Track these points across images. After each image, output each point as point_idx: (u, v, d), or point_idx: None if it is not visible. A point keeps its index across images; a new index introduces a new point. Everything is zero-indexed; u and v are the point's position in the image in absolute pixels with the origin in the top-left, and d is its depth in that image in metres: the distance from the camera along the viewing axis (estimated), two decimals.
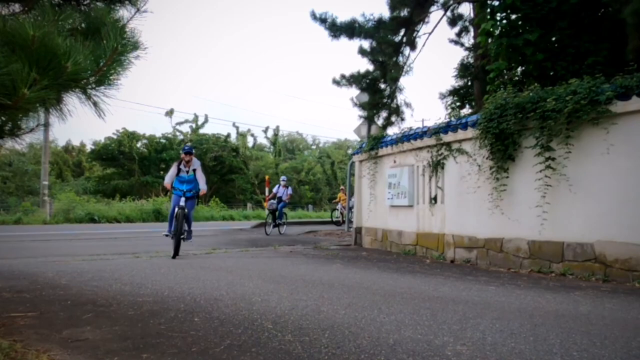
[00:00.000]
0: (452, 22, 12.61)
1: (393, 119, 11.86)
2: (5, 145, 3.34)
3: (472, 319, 3.46)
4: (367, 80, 11.61)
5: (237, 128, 41.01)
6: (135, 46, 2.61)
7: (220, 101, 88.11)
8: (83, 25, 2.74)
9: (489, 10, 9.93)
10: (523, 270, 6.17)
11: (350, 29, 11.41)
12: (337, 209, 19.44)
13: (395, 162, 9.01)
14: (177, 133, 38.43)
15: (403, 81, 14.43)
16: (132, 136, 35.56)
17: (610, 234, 5.34)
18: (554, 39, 8.84)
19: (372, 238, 9.86)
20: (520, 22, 9.14)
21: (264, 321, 3.33)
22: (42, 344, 2.77)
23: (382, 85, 11.79)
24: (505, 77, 9.69)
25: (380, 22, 11.32)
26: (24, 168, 31.18)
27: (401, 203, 8.68)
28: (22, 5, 2.76)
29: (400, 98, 11.96)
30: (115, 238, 11.80)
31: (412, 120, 26.72)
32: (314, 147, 53.70)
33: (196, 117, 38.69)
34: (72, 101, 2.78)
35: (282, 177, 15.06)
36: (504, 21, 9.45)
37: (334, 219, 19.35)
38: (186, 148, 7.96)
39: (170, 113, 37.37)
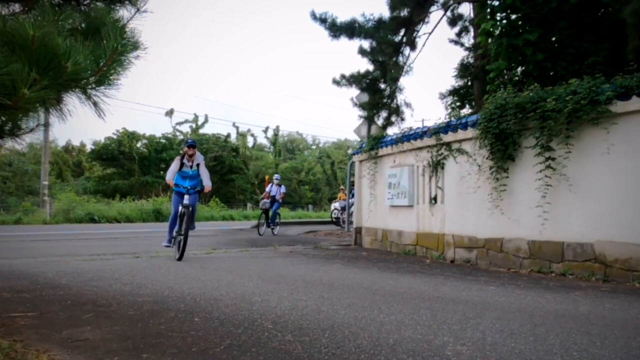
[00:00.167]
0: (452, 22, 12.61)
1: (393, 119, 11.87)
2: (5, 145, 3.34)
3: (472, 319, 3.46)
4: (367, 80, 11.62)
5: (237, 128, 41.09)
6: (135, 46, 2.61)
7: (220, 101, 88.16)
8: (83, 25, 2.74)
9: (489, 10, 9.93)
10: (523, 270, 6.17)
11: (350, 29, 11.42)
12: (337, 209, 19.45)
13: (395, 162, 9.01)
14: (177, 133, 38.48)
15: (403, 81, 14.45)
16: (132, 136, 35.60)
17: (610, 234, 5.34)
18: (554, 39, 8.84)
19: (372, 238, 9.86)
20: (520, 22, 9.14)
21: (264, 321, 3.33)
22: (42, 344, 2.77)
23: (382, 85, 11.79)
24: (505, 77, 9.69)
25: (380, 22, 11.33)
26: (24, 168, 31.19)
27: (401, 203, 8.68)
28: (22, 5, 2.76)
29: (400, 98, 11.98)
30: (115, 238, 11.80)
31: (412, 120, 26.78)
32: (314, 147, 53.73)
33: (196, 117, 38.76)
34: (72, 101, 2.78)
35: (275, 176, 14.74)
36: (504, 21, 9.45)
37: (334, 218, 19.36)
38: (190, 141, 7.51)
39: (170, 113, 37.42)
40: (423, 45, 12.85)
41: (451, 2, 11.69)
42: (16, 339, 2.82)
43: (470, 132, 7.03)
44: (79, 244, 10.19)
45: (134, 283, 4.83)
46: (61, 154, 39.75)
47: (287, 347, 2.74)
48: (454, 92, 13.89)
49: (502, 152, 6.44)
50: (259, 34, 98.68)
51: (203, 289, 4.52)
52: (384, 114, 11.87)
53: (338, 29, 11.50)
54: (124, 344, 2.78)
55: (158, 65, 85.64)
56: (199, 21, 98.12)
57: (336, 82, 11.88)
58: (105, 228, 16.40)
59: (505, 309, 3.84)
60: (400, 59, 11.69)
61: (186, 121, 38.67)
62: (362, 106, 11.78)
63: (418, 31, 11.66)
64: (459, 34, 13.09)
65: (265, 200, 13.48)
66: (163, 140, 37.30)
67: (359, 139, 12.80)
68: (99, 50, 2.48)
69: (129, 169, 35.73)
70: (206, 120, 38.85)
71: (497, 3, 9.81)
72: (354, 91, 11.89)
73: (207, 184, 7.26)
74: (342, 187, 19.18)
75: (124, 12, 2.84)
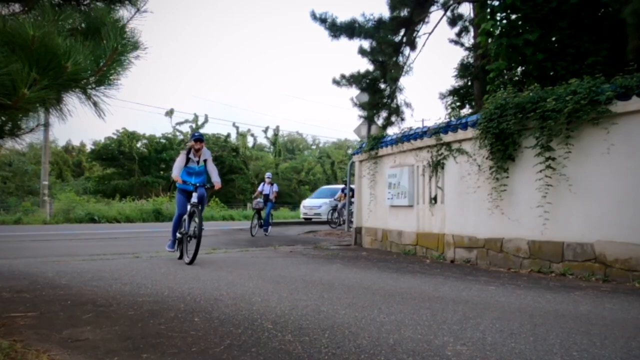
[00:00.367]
0: (452, 22, 12.62)
1: (393, 119, 11.87)
2: (5, 145, 3.34)
3: (472, 319, 3.46)
4: (367, 80, 11.62)
5: (237, 128, 41.09)
6: (135, 46, 2.61)
7: (220, 101, 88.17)
8: (83, 25, 2.74)
9: (489, 10, 9.94)
10: (523, 270, 6.17)
11: (350, 29, 11.42)
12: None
13: (395, 162, 9.01)
14: (177, 133, 38.46)
15: (403, 81, 14.44)
16: (132, 136, 35.60)
17: (610, 234, 5.34)
18: (554, 39, 8.84)
19: (372, 238, 9.86)
20: (520, 22, 9.15)
21: (264, 321, 3.33)
22: (42, 344, 2.77)
23: (382, 85, 11.80)
24: (505, 77, 9.69)
25: (380, 22, 11.33)
26: (24, 168, 31.19)
27: (401, 203, 8.68)
28: (22, 5, 2.76)
29: (400, 98, 11.98)
30: (115, 238, 11.80)
31: (412, 120, 26.76)
32: (314, 147, 53.72)
33: (196, 117, 38.74)
34: (72, 101, 2.78)
35: (267, 174, 14.25)
36: (504, 21, 9.46)
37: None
38: (196, 134, 7.00)
39: (170, 113, 37.42)
40: (423, 45, 12.86)
41: (451, 2, 11.70)
42: (16, 339, 2.82)
43: (470, 132, 7.03)
44: (79, 244, 10.19)
45: (134, 283, 4.83)
46: (61, 154, 39.74)
47: (287, 347, 2.74)
48: (454, 92, 13.90)
49: (502, 152, 6.44)
50: (259, 34, 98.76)
51: (203, 289, 4.52)
52: (384, 114, 11.88)
53: (338, 29, 11.50)
54: (124, 344, 2.78)
55: (158, 65, 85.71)
56: (199, 21, 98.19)
57: (336, 82, 11.89)
58: (105, 228, 16.39)
59: (505, 309, 3.84)
60: (400, 59, 11.70)
61: (186, 121, 38.68)
62: (362, 106, 11.78)
63: (418, 31, 11.67)
64: (459, 34, 13.10)
65: (259, 200, 13.07)
66: (163, 140, 37.30)
67: (359, 139, 12.79)
68: (99, 50, 2.48)
69: (129, 169, 35.73)
70: (206, 120, 38.86)
71: (497, 3, 9.81)
72: (354, 91, 11.90)
73: (217, 180, 6.74)
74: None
75: (124, 12, 2.84)
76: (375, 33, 11.29)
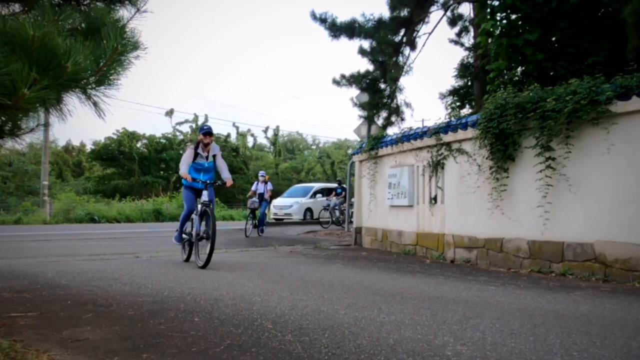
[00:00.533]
0: (452, 22, 12.62)
1: (393, 119, 11.88)
2: (5, 145, 3.34)
3: (472, 319, 3.46)
4: (367, 80, 11.62)
5: (237, 128, 41.08)
6: (135, 46, 2.62)
7: (220, 101, 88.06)
8: (83, 25, 2.74)
9: (489, 10, 9.94)
10: (523, 270, 6.17)
11: (350, 29, 11.42)
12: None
13: (395, 162, 9.02)
14: (177, 133, 38.47)
15: (403, 81, 14.43)
16: (132, 136, 35.59)
17: (610, 234, 5.34)
18: (554, 39, 8.84)
19: (372, 238, 9.86)
20: (520, 22, 9.15)
21: (264, 321, 3.33)
22: (42, 344, 2.77)
23: (382, 85, 11.80)
24: (505, 77, 9.69)
25: (380, 22, 11.33)
26: (24, 168, 31.18)
27: (401, 203, 8.68)
28: (22, 5, 2.76)
29: (400, 98, 11.99)
30: (115, 238, 11.80)
31: (412, 120, 26.79)
32: (314, 147, 53.68)
33: (196, 117, 38.72)
34: (72, 101, 2.78)
35: (261, 172, 13.73)
36: (504, 21, 9.46)
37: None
38: (206, 127, 6.45)
39: (170, 113, 37.41)
40: (423, 45, 12.86)
41: (451, 2, 11.70)
42: (16, 339, 2.82)
43: (470, 132, 7.03)
44: (79, 244, 10.20)
45: (134, 283, 4.83)
46: (61, 154, 39.71)
47: (287, 347, 2.74)
48: (454, 92, 13.90)
49: (502, 152, 6.44)
50: (259, 34, 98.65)
51: (203, 289, 4.52)
52: (384, 114, 11.88)
53: (338, 29, 11.50)
54: (124, 344, 2.79)
55: (158, 65, 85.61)
56: (199, 21, 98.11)
57: (336, 82, 11.89)
58: (105, 228, 16.40)
59: (505, 309, 3.84)
60: (400, 59, 11.70)
61: (186, 121, 38.68)
62: (362, 106, 11.78)
63: (418, 31, 11.67)
64: (459, 34, 13.11)
65: (254, 199, 12.76)
66: (163, 140, 37.29)
67: (359, 139, 12.79)
68: (99, 50, 2.48)
69: (129, 169, 35.72)
70: (206, 120, 38.78)
71: (497, 3, 9.81)
72: (354, 91, 11.91)
73: (228, 176, 6.32)
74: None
75: (124, 12, 2.84)
76: (375, 33, 11.30)
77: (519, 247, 6.35)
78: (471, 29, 12.54)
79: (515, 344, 2.84)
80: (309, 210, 21.11)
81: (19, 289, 4.43)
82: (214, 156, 6.40)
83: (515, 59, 9.16)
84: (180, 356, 2.58)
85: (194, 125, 38.64)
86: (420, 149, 8.26)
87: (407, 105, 12.09)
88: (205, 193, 6.08)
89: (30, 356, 2.50)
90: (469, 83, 13.08)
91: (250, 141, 42.91)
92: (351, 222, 12.62)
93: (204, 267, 5.83)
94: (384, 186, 9.25)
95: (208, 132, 6.34)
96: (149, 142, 36.62)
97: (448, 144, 7.60)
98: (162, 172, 36.23)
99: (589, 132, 5.55)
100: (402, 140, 8.66)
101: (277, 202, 21.11)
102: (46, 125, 3.29)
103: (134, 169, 35.42)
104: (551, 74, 8.71)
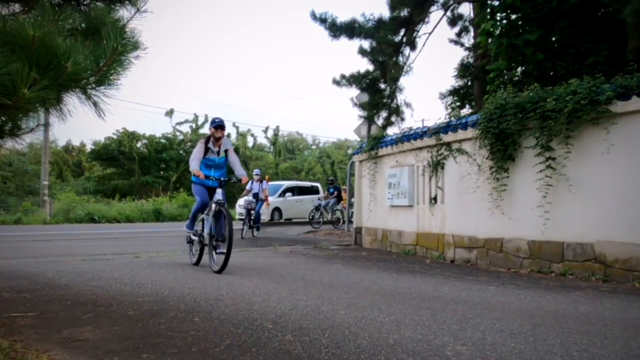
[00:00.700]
0: (452, 22, 12.63)
1: (393, 119, 11.88)
2: (5, 145, 3.34)
3: (472, 319, 3.46)
4: (367, 80, 11.62)
5: (237, 128, 41.04)
6: (135, 46, 2.62)
7: (220, 101, 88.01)
8: (83, 25, 2.74)
9: (489, 10, 9.94)
10: (523, 270, 6.17)
11: (350, 29, 11.42)
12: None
13: (395, 162, 9.02)
14: (177, 133, 38.47)
15: (403, 81, 14.45)
16: (132, 136, 35.59)
17: (610, 234, 5.34)
18: (554, 39, 8.84)
19: (372, 238, 9.86)
20: (520, 22, 9.15)
21: (264, 321, 3.33)
22: (42, 344, 2.77)
23: (382, 85, 11.80)
24: (505, 77, 9.70)
25: (380, 22, 11.33)
26: (24, 168, 31.17)
27: (401, 203, 8.68)
28: (22, 5, 2.76)
29: (400, 98, 11.98)
30: (115, 238, 11.80)
31: (412, 120, 26.81)
32: (314, 147, 53.65)
33: (196, 117, 38.72)
34: (72, 101, 2.78)
35: (255, 171, 13.24)
36: (504, 21, 9.46)
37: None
38: (217, 120, 5.97)
39: (170, 113, 37.41)
40: (423, 45, 12.86)
41: (451, 2, 11.70)
42: (16, 339, 2.82)
43: (470, 132, 7.03)
44: (79, 244, 10.20)
45: (134, 283, 4.83)
46: (61, 154, 39.70)
47: (287, 347, 2.74)
48: (454, 92, 13.90)
49: (502, 152, 6.44)
50: (259, 34, 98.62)
51: (203, 289, 4.52)
52: (384, 114, 11.88)
53: (338, 29, 11.50)
54: (124, 344, 2.79)
55: (158, 65, 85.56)
56: (199, 21, 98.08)
57: (336, 82, 11.89)
58: (105, 228, 16.40)
59: (505, 309, 3.84)
60: (400, 59, 11.70)
61: (186, 121, 38.67)
62: (362, 106, 11.78)
63: (418, 31, 11.67)
64: (459, 34, 13.11)
65: (251, 199, 12.44)
66: (163, 140, 37.29)
67: (359, 139, 12.78)
68: (99, 50, 2.48)
69: (129, 169, 35.73)
70: (206, 120, 38.80)
71: (497, 3, 9.81)
72: (354, 91, 11.90)
73: (242, 172, 5.94)
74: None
75: (124, 12, 2.84)
76: (375, 33, 11.30)
77: (519, 247, 6.35)
78: (471, 29, 12.55)
79: (515, 344, 2.84)
80: (277, 210, 20.23)
81: (19, 289, 4.43)
82: (225, 151, 6.04)
83: (515, 59, 9.16)
84: (180, 356, 2.58)
85: (193, 125, 38.65)
86: (420, 149, 8.26)
87: (407, 105, 12.10)
88: (219, 191, 5.69)
89: (30, 356, 2.50)
90: (469, 83, 13.08)
91: (250, 141, 42.93)
92: (351, 222, 12.62)
93: (219, 271, 5.46)
94: (384, 186, 9.25)
95: (220, 126, 5.91)
96: (149, 142, 36.62)
97: (448, 144, 7.60)
98: (162, 172, 36.22)
99: (589, 132, 5.55)
100: (402, 140, 8.66)
101: (242, 202, 20.32)
102: (46, 125, 3.29)
103: (134, 169, 35.43)
104: (551, 74, 8.71)
